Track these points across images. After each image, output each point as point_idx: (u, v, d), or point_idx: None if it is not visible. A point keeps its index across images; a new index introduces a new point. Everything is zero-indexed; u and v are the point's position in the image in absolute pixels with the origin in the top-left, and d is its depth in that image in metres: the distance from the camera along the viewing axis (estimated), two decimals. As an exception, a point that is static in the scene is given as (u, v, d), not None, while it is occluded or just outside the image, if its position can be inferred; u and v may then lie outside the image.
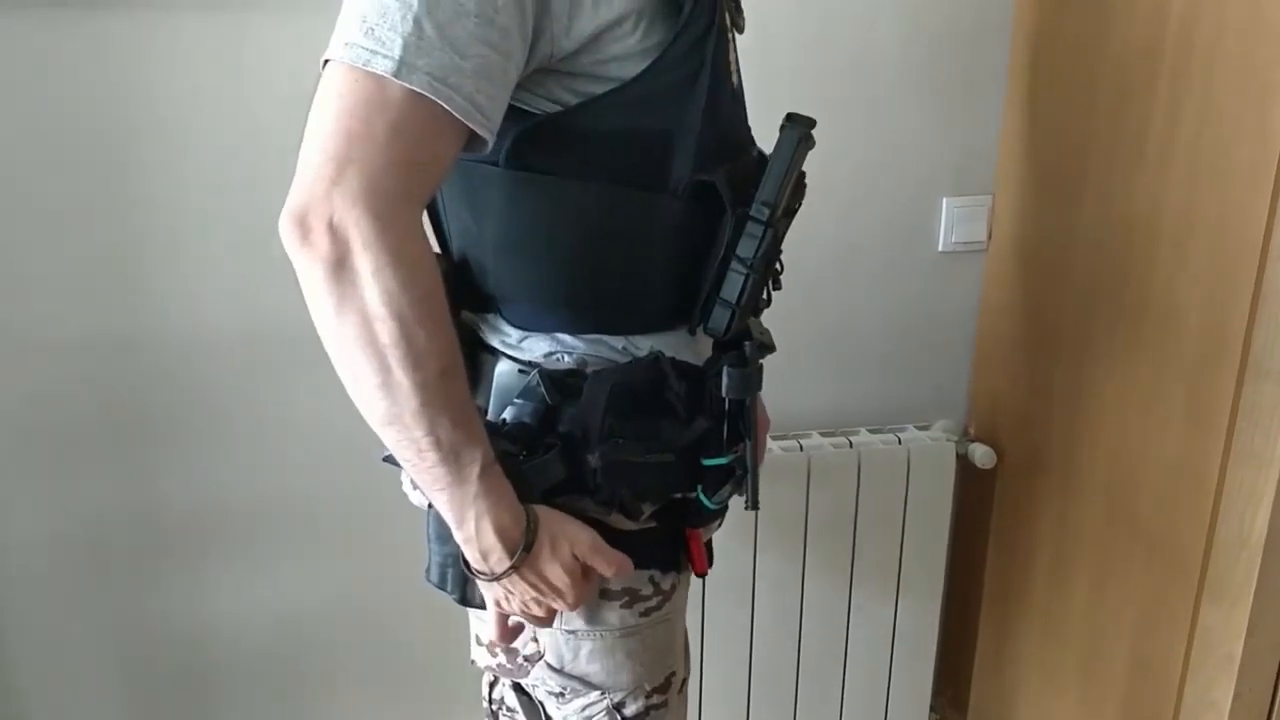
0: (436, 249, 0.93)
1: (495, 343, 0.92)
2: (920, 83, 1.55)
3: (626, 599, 0.96)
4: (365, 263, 0.71)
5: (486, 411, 0.90)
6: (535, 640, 0.98)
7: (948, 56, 1.56)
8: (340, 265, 0.71)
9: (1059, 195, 1.49)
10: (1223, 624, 1.24)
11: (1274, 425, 1.15)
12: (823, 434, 1.62)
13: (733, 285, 0.88)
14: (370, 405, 0.76)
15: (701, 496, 0.92)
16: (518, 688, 1.03)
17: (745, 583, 1.59)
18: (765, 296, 0.94)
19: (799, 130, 0.87)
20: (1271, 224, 1.13)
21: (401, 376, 0.73)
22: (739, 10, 0.94)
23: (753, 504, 0.93)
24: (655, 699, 1.00)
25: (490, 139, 0.76)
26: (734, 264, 0.87)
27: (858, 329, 1.65)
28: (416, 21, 0.71)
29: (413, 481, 0.92)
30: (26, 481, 1.44)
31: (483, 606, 0.92)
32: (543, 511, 0.85)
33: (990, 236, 1.65)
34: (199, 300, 1.41)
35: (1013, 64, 1.57)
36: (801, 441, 1.59)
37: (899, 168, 1.58)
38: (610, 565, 0.87)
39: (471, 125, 0.74)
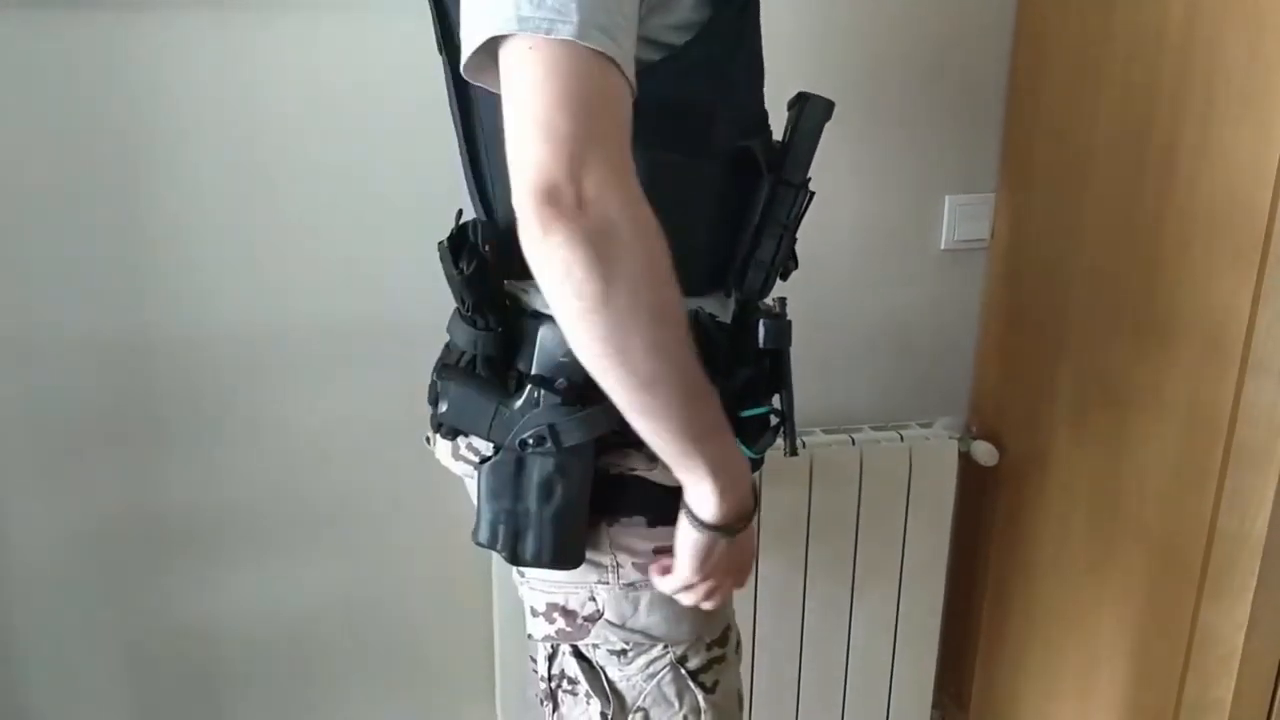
0: (483, 215, 0.97)
1: (540, 306, 0.93)
2: (923, 80, 1.55)
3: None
4: (627, 230, 0.72)
5: (529, 373, 0.92)
6: (594, 599, 0.98)
7: (951, 53, 1.56)
8: (607, 237, 0.71)
9: (1061, 193, 1.49)
10: (1223, 622, 1.24)
11: (1274, 423, 1.15)
12: (825, 431, 1.63)
13: (768, 248, 0.94)
14: (640, 368, 0.76)
15: (742, 447, 0.94)
16: (578, 654, 1.01)
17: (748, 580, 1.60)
18: (793, 260, 1.00)
19: (828, 100, 0.93)
20: (1273, 221, 1.13)
21: (669, 332, 0.76)
22: None
23: (791, 450, 0.98)
24: (715, 651, 1.01)
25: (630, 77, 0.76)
26: (769, 227, 0.93)
27: (860, 327, 1.65)
28: None
29: (452, 452, 0.98)
30: (33, 480, 1.45)
31: (533, 564, 0.93)
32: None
33: (993, 234, 1.65)
34: (205, 300, 1.42)
35: (1015, 61, 1.57)
36: (804, 439, 1.59)
37: (902, 165, 1.58)
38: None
39: (629, 80, 0.74)
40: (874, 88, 1.53)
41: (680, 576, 0.91)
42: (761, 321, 0.95)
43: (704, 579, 0.91)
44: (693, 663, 1.00)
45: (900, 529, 1.62)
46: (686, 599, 0.94)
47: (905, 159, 1.58)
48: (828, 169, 0.99)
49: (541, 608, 1.01)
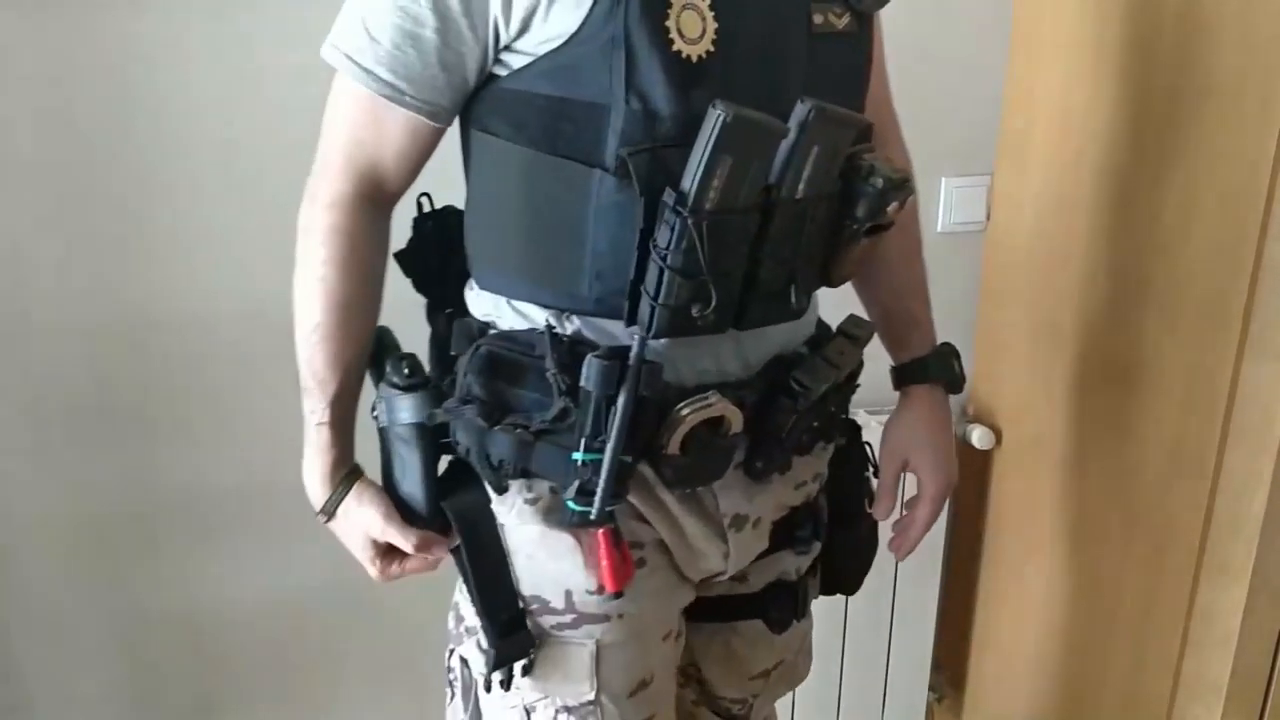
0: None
1: (467, 297, 0.98)
2: (919, 62, 1.54)
3: (536, 606, 0.95)
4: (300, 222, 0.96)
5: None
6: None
7: (948, 36, 1.55)
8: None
9: (1059, 175, 1.48)
10: (1220, 603, 1.25)
11: (1272, 405, 1.15)
12: (822, 415, 1.62)
13: (651, 277, 0.82)
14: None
15: (565, 495, 0.87)
16: (462, 660, 1.01)
17: (745, 564, 1.60)
18: (707, 305, 0.83)
19: (721, 110, 0.76)
20: (1271, 203, 1.13)
21: (295, 316, 0.97)
22: None
23: (596, 513, 0.84)
24: (565, 716, 0.97)
25: (419, 107, 0.86)
26: (652, 254, 0.81)
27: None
28: (357, 18, 0.86)
29: None
30: (29, 466, 1.44)
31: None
32: (359, 490, 0.97)
33: (989, 217, 1.64)
34: (200, 285, 1.41)
35: (1013, 44, 1.56)
36: (800, 423, 1.59)
37: (898, 148, 1.57)
38: (406, 539, 0.95)
39: (386, 98, 0.86)
40: (870, 70, 1.52)
41: None
42: (589, 357, 0.83)
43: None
44: (538, 716, 0.97)
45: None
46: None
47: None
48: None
49: (453, 600, 1.03)
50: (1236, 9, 1.15)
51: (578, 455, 0.84)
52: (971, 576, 1.78)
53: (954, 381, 1.12)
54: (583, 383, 0.83)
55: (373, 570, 1.00)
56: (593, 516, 0.85)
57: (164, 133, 1.35)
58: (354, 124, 0.89)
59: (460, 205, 0.98)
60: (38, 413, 1.42)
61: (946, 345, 1.14)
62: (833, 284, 0.99)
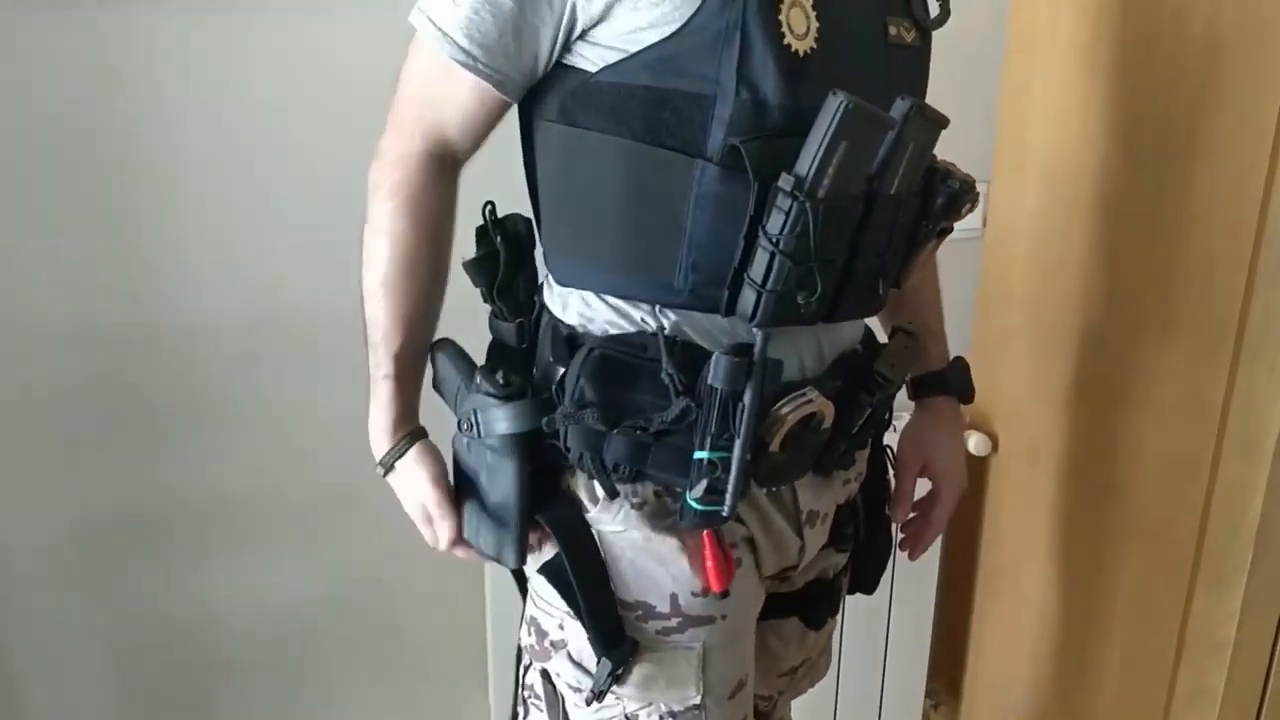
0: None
1: (548, 301, 0.97)
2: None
3: (641, 612, 0.95)
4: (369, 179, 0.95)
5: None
6: (562, 628, 0.97)
7: (944, 40, 1.55)
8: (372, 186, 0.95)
9: (1055, 183, 1.48)
10: (1215, 611, 1.25)
11: (1268, 413, 1.16)
12: (818, 421, 1.62)
13: (759, 264, 0.83)
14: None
15: (687, 494, 0.87)
16: (545, 674, 1.01)
17: (741, 570, 1.59)
18: (812, 292, 0.84)
19: (843, 98, 0.78)
20: (1266, 209, 1.13)
21: (362, 272, 0.96)
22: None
23: (729, 510, 0.86)
24: None
25: (488, 75, 0.87)
26: (761, 240, 0.82)
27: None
28: None
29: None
30: (26, 473, 1.44)
31: (475, 548, 0.99)
32: (420, 450, 0.98)
33: (986, 224, 1.64)
34: (200, 290, 1.41)
35: (1009, 49, 1.56)
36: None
37: (894, 155, 1.57)
38: (445, 520, 0.98)
39: (458, 62, 0.87)
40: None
41: None
42: (717, 354, 0.84)
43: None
44: None
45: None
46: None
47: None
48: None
49: (527, 615, 1.01)
50: (1234, 14, 1.15)
51: (702, 454, 0.85)
52: (968, 582, 1.78)
53: (968, 394, 1.18)
54: (710, 380, 0.84)
55: (426, 533, 1.01)
56: (725, 513, 0.86)
57: (166, 135, 1.34)
58: (426, 86, 0.91)
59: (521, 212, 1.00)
60: (37, 418, 1.42)
61: (960, 360, 1.18)
62: (901, 285, 1.00)
